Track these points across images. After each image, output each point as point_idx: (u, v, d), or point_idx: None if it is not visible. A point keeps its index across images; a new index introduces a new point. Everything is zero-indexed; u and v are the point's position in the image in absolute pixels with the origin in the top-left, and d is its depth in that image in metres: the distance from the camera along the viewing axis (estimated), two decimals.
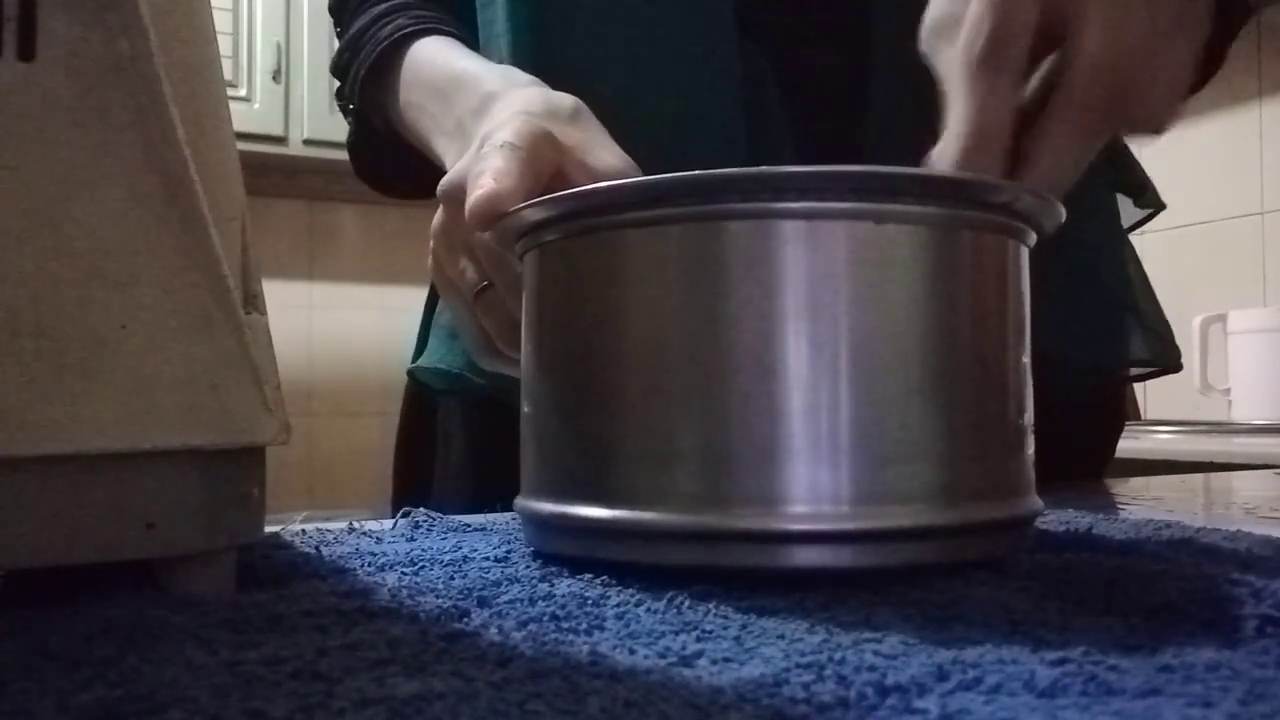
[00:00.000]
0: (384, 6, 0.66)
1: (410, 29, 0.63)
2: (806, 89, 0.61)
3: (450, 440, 0.74)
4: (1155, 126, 0.41)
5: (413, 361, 0.68)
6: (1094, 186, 0.66)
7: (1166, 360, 0.67)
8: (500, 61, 0.61)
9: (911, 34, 0.42)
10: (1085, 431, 0.72)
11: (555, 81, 0.58)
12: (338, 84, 0.69)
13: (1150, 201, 0.70)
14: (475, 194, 0.41)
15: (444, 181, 0.47)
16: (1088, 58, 0.38)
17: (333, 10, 0.72)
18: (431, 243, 0.49)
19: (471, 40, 0.65)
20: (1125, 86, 0.39)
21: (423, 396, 0.76)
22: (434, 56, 0.61)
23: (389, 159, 0.69)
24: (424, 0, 0.67)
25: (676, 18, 0.59)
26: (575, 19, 0.59)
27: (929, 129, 0.40)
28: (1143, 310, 0.67)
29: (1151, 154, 0.74)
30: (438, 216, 0.48)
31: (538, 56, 0.59)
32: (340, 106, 0.70)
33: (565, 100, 0.50)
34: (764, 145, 0.58)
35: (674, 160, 0.57)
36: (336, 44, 0.70)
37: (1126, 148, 0.70)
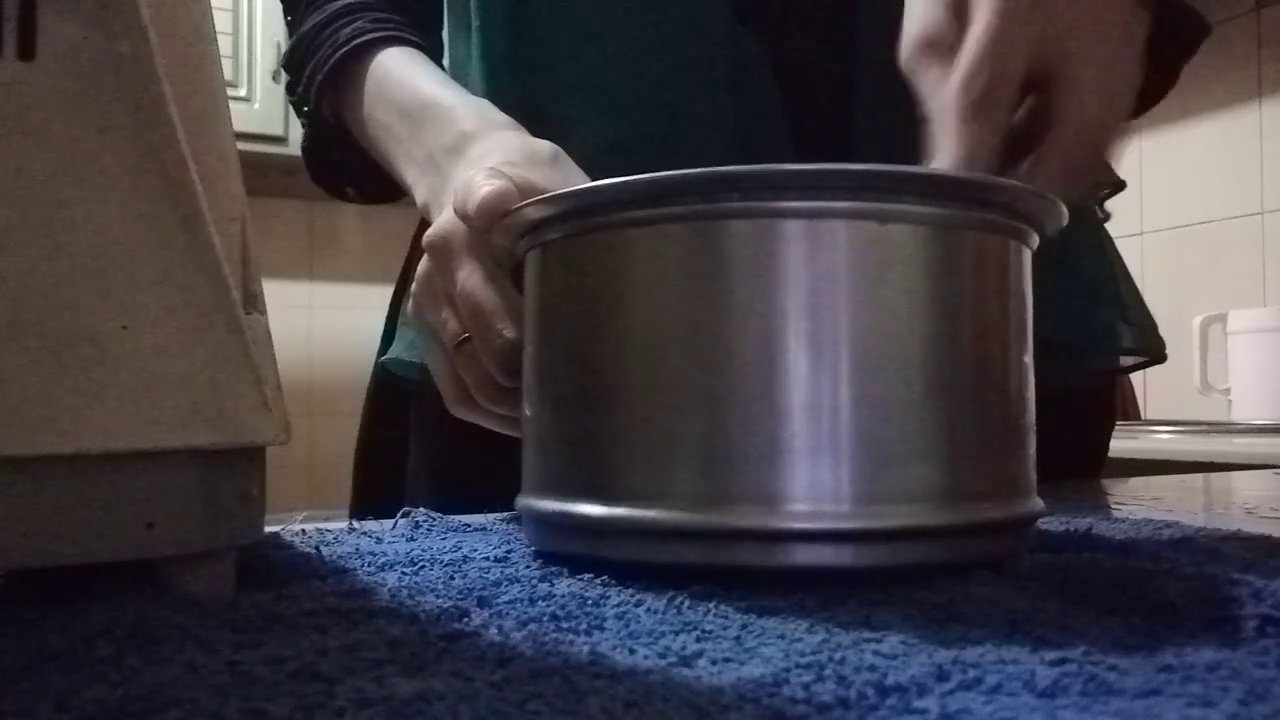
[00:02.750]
0: (340, 5, 0.64)
1: (372, 35, 0.62)
2: (799, 77, 0.61)
3: (426, 435, 0.72)
4: (1098, 184, 0.43)
5: (379, 356, 0.67)
6: None
7: (1151, 348, 0.66)
8: (469, 37, 0.60)
9: (892, 28, 0.42)
10: (1076, 428, 0.72)
11: (530, 62, 0.57)
12: (288, 80, 0.67)
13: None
14: (481, 191, 0.41)
15: (429, 232, 0.47)
16: (1082, 119, 0.39)
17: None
18: (414, 286, 0.49)
19: (430, 46, 0.64)
20: (1104, 148, 0.41)
21: (389, 394, 0.75)
22: (401, 74, 0.60)
23: (344, 163, 0.68)
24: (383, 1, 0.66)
25: None
26: None
27: (914, 118, 0.41)
28: (1124, 297, 0.66)
29: (1152, 154, 0.74)
30: (422, 264, 0.48)
31: (514, 30, 0.59)
32: (292, 104, 0.68)
33: (544, 146, 0.50)
34: (756, 131, 0.58)
35: (659, 137, 0.57)
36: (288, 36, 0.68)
37: None
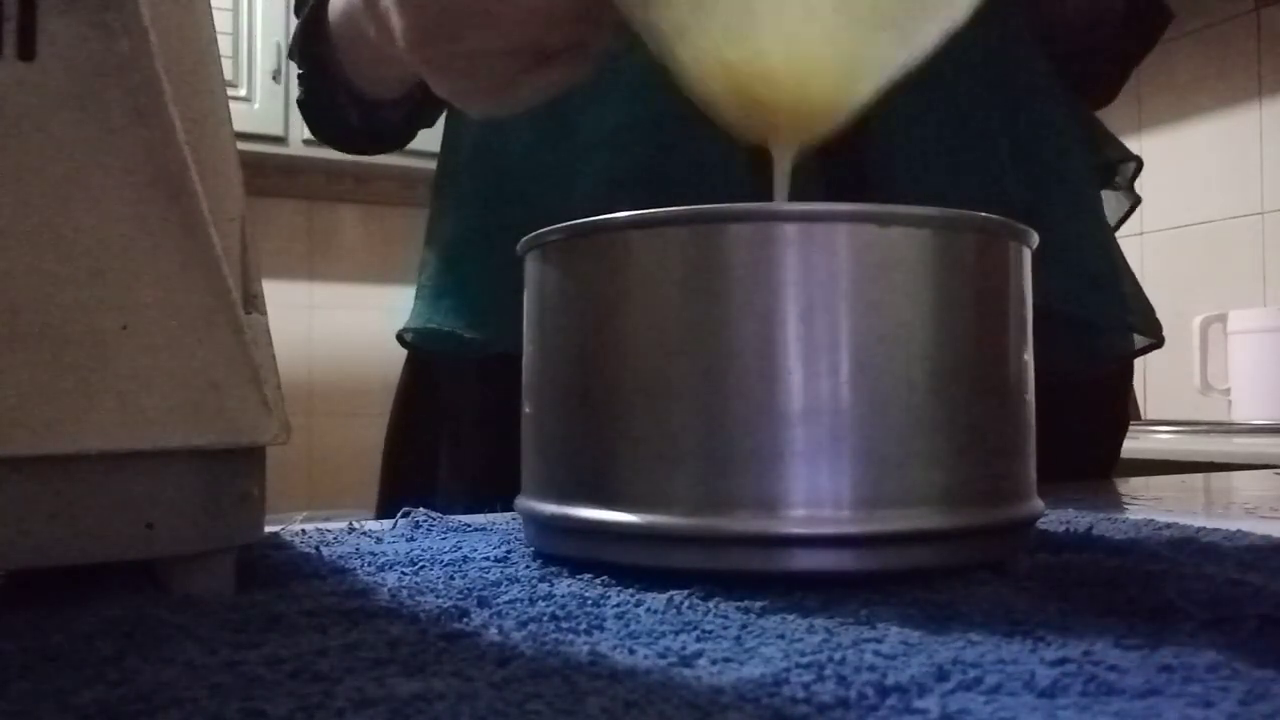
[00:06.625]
0: None
1: None
2: None
3: (458, 415, 0.71)
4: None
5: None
6: (1068, 171, 0.65)
7: (1151, 328, 0.67)
8: None
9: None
10: (1090, 432, 0.72)
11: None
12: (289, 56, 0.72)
13: (1125, 173, 0.70)
14: None
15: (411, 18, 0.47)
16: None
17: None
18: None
19: None
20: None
21: (421, 376, 0.75)
22: None
23: (341, 105, 0.71)
24: None
25: None
26: None
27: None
28: (1124, 286, 0.67)
29: (1152, 154, 0.74)
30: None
31: None
32: (298, 76, 0.72)
33: None
34: (759, 165, 0.58)
35: (659, 177, 0.58)
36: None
37: (1102, 127, 0.70)
